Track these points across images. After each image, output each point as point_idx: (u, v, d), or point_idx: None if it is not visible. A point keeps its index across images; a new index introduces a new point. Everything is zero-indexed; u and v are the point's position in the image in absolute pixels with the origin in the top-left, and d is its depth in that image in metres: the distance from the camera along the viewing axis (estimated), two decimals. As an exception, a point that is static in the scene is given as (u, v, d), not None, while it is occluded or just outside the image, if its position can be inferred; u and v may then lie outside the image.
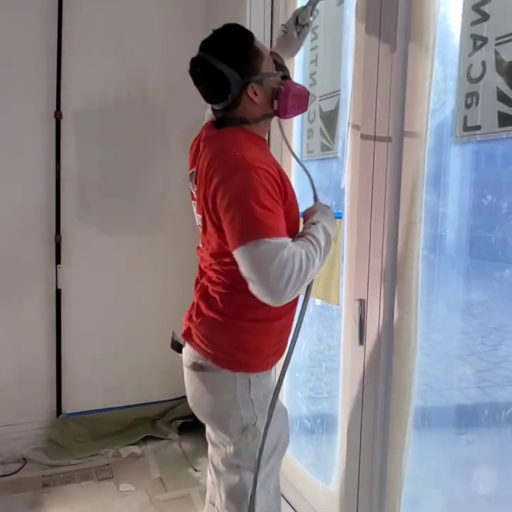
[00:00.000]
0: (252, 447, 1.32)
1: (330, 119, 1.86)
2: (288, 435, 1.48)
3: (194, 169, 1.38)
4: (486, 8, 1.22)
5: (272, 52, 1.39)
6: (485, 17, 1.23)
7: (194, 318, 1.39)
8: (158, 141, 2.71)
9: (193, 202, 1.47)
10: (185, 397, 2.80)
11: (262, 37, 2.15)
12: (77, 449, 2.53)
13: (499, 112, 1.18)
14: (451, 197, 1.35)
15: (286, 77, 1.36)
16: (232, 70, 1.23)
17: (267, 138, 1.40)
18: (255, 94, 1.27)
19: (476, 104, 1.24)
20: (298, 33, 1.54)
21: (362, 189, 1.60)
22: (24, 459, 2.43)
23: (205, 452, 2.56)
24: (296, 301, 1.36)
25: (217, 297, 1.32)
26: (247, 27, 2.04)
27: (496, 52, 1.19)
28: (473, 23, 1.26)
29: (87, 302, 2.63)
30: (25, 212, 2.49)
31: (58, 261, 2.52)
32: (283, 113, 1.31)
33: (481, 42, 1.24)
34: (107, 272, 2.65)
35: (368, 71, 1.54)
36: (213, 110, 1.37)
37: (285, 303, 1.15)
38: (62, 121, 2.48)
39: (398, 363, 1.51)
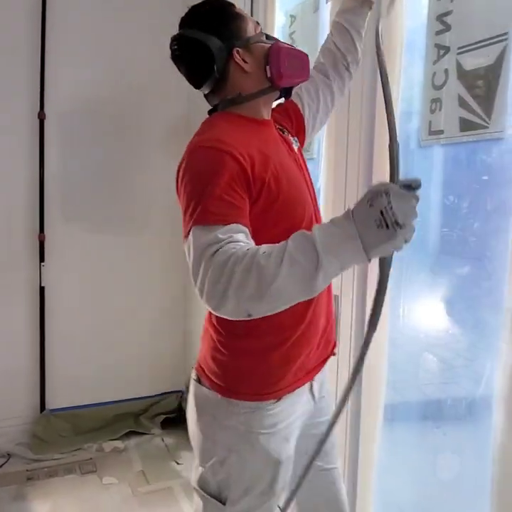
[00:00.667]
0: (217, 482, 1.13)
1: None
2: (276, 485, 1.14)
3: None
4: (448, 19, 1.30)
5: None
6: (447, 27, 1.30)
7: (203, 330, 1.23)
8: (142, 142, 2.75)
9: None
10: (168, 392, 2.89)
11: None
12: (61, 444, 2.56)
13: (460, 118, 1.25)
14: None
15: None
16: (210, 36, 1.06)
17: (268, 117, 1.19)
18: (244, 61, 1.09)
19: (440, 109, 1.31)
20: None
21: (336, 189, 1.67)
22: (8, 454, 2.47)
23: (187, 446, 2.63)
24: (301, 311, 1.09)
25: None
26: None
27: (458, 61, 1.27)
28: (438, 33, 1.33)
29: (71, 300, 2.67)
30: (9, 211, 2.52)
31: (42, 259, 2.55)
32: (278, 78, 1.09)
33: (444, 51, 1.31)
34: (90, 270, 2.69)
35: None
36: (206, 98, 1.19)
37: (216, 310, 0.92)
38: (45, 121, 2.51)
39: (369, 357, 1.58)
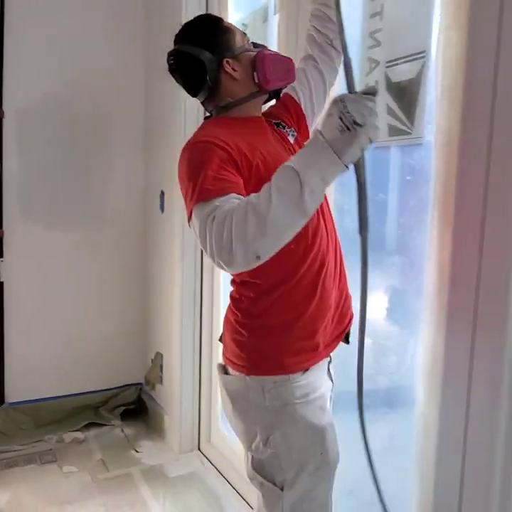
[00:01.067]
0: (268, 464, 1.17)
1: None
2: (327, 455, 1.19)
3: None
4: (379, 36, 1.45)
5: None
6: (378, 43, 1.45)
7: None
8: (101, 141, 2.81)
9: None
10: (127, 385, 2.97)
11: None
12: (21, 436, 2.61)
13: (388, 124, 1.40)
14: (352, 195, 1.57)
15: None
16: (202, 50, 1.18)
17: (258, 114, 1.30)
18: (234, 70, 1.20)
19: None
20: None
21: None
22: (-33, 447, 2.50)
23: (147, 436, 2.72)
24: (311, 286, 1.17)
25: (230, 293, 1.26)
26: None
27: (386, 74, 1.42)
28: (370, 48, 1.48)
29: (30, 294, 2.71)
30: (-33, 207, 2.55)
31: (0, 255, 2.59)
32: (265, 82, 1.19)
33: (374, 64, 1.46)
34: (49, 265, 2.74)
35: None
36: (203, 106, 1.29)
37: (229, 265, 0.96)
38: (4, 119, 2.55)
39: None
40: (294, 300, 1.16)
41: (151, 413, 2.83)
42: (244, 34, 1.27)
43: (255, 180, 1.08)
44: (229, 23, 1.27)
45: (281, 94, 1.30)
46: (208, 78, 1.19)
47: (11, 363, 2.69)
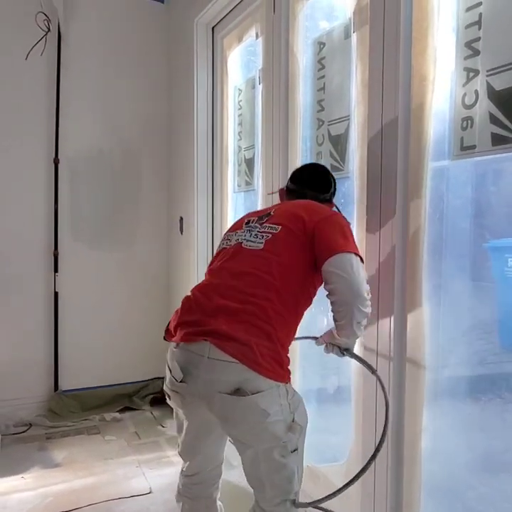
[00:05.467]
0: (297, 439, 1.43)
1: (249, 164, 2.70)
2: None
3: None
4: (323, 103, 2.07)
5: None
6: (322, 108, 2.08)
7: None
8: (132, 178, 3.53)
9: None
10: (155, 378, 3.60)
11: (205, 97, 3.03)
12: (71, 416, 3.25)
13: (331, 164, 2.02)
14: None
15: None
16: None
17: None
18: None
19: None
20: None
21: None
22: (30, 423, 3.15)
23: (171, 416, 3.31)
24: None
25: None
26: (194, 93, 2.92)
27: (328, 130, 2.04)
28: (318, 112, 2.10)
29: (79, 302, 3.40)
30: (32, 233, 3.27)
31: (56, 270, 3.29)
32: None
33: (321, 123, 2.08)
34: (94, 277, 3.43)
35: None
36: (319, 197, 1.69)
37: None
38: (59, 165, 3.29)
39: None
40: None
41: (175, 400, 3.42)
42: None
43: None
44: None
45: None
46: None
47: (64, 358, 3.36)
